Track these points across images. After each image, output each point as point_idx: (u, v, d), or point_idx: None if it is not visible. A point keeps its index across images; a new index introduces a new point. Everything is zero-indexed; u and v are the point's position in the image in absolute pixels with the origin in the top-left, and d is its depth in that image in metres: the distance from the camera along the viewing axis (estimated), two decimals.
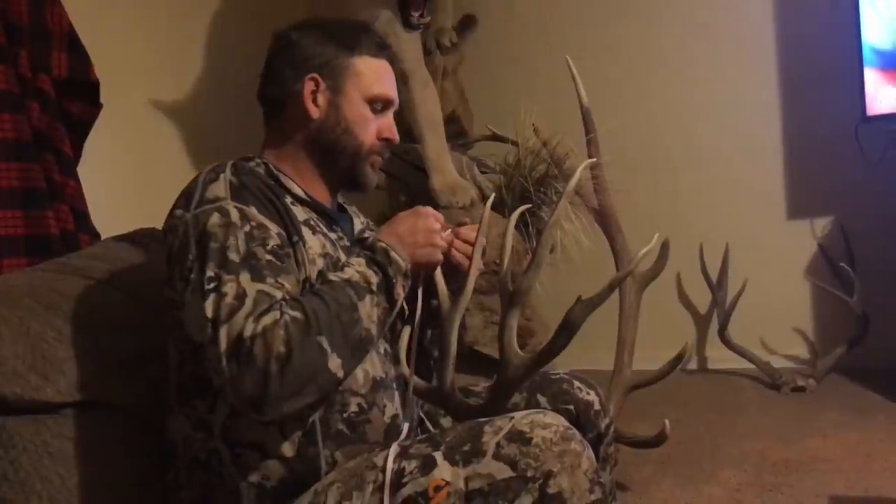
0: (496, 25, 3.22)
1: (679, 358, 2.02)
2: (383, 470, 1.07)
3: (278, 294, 1.06)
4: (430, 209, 1.28)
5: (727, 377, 3.03)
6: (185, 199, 1.16)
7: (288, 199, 1.21)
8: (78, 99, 1.99)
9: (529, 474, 1.02)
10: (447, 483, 1.03)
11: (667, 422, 1.76)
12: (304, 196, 1.26)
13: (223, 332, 1.01)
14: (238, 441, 1.11)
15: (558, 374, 1.45)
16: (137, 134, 2.32)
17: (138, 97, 2.34)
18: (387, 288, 1.17)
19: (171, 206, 1.18)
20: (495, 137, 2.78)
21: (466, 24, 2.95)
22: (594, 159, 1.90)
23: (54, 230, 1.83)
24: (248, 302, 1.03)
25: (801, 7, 2.92)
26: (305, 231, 1.19)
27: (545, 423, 1.06)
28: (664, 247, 2.35)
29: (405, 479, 1.05)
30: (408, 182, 2.61)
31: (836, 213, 2.95)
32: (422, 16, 2.12)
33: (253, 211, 1.12)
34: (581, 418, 1.41)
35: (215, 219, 1.10)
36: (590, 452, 1.08)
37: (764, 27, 2.98)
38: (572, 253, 2.34)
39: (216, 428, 1.12)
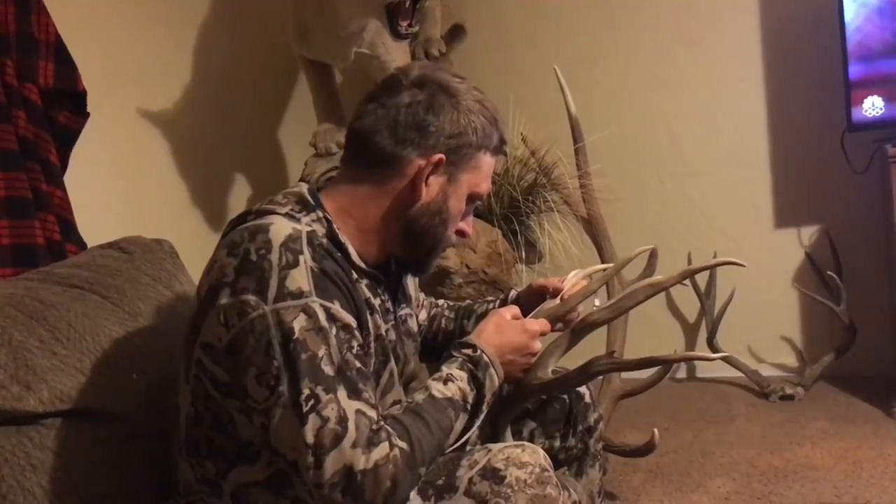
0: (484, 35, 3.23)
1: (668, 367, 2.02)
2: None
3: (374, 414, 1.00)
4: (538, 326, 1.25)
5: (716, 386, 3.03)
6: (256, 280, 1.01)
7: (353, 276, 1.13)
8: (64, 108, 1.98)
9: None
10: None
11: (656, 431, 1.76)
12: (361, 264, 1.17)
13: (329, 462, 0.95)
14: None
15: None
16: (124, 143, 2.31)
17: (125, 106, 2.34)
18: (476, 404, 1.15)
19: (233, 276, 1.03)
20: None
21: (455, 33, 2.96)
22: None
23: (40, 240, 1.82)
24: (351, 427, 0.97)
25: (787, 18, 2.94)
26: (367, 314, 1.13)
27: (521, 462, 1.04)
28: (652, 255, 2.36)
29: None
30: None
31: (823, 222, 2.97)
32: (410, 25, 2.12)
33: (337, 308, 1.03)
34: (574, 408, 1.42)
35: (302, 321, 0.99)
36: (566, 497, 1.07)
37: (750, 37, 3.00)
38: (561, 261, 2.34)
39: (226, 487, 1.09)
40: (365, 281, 1.18)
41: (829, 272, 2.77)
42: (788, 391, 2.76)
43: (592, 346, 1.96)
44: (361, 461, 0.96)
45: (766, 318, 3.04)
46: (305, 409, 0.96)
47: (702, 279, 3.03)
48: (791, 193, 3.02)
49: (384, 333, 1.19)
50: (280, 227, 1.05)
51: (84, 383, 1.21)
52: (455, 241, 1.28)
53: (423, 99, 1.16)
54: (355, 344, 1.04)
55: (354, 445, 0.96)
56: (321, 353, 0.99)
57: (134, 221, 2.23)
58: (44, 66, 1.92)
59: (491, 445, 1.09)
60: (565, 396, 1.43)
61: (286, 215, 1.11)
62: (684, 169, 3.12)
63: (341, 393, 0.98)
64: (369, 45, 2.34)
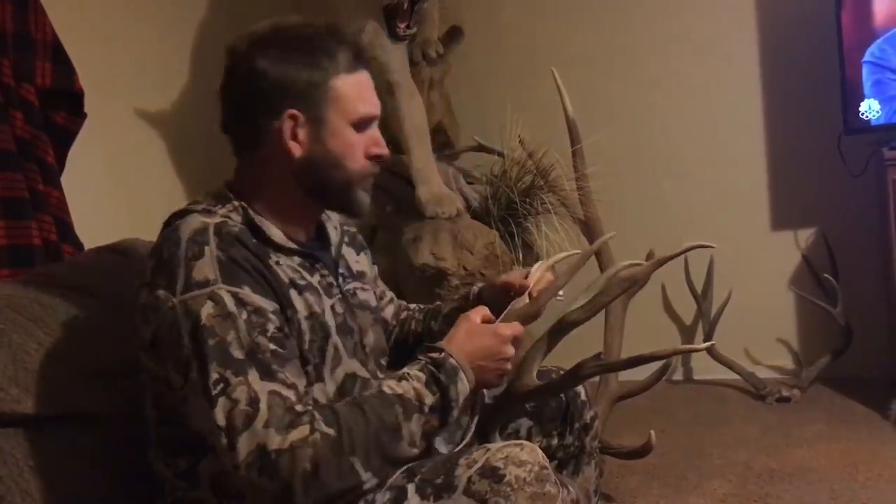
0: (482, 37, 3.23)
1: (664, 369, 2.03)
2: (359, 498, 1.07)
3: (291, 395, 1.01)
4: (510, 331, 1.21)
5: (712, 388, 3.04)
6: (166, 275, 1.06)
7: (272, 259, 1.14)
8: (62, 108, 1.98)
9: None
10: None
11: (652, 433, 1.76)
12: (285, 243, 1.18)
13: (242, 442, 0.97)
14: (226, 492, 1.08)
15: (545, 367, 1.45)
16: (122, 144, 2.30)
17: (123, 107, 2.33)
18: (441, 409, 1.11)
19: (150, 275, 1.09)
20: (481, 148, 2.79)
21: (453, 35, 2.95)
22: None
23: (37, 241, 1.81)
24: (263, 408, 0.98)
25: (784, 20, 2.95)
26: (293, 294, 1.14)
27: (520, 461, 1.04)
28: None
29: None
30: (394, 193, 2.61)
31: (820, 225, 2.97)
32: (408, 27, 2.12)
33: (247, 292, 1.05)
34: (570, 406, 1.42)
35: (209, 308, 1.02)
36: (566, 494, 1.06)
37: (747, 39, 3.00)
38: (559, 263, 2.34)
39: (202, 479, 1.10)
40: (296, 260, 1.18)
41: (825, 274, 2.78)
42: (785, 393, 2.76)
43: (588, 349, 1.95)
44: (276, 441, 0.97)
45: (762, 320, 3.04)
46: (214, 392, 0.99)
47: (698, 281, 3.03)
48: (788, 196, 3.02)
49: (321, 310, 1.17)
50: (189, 223, 1.10)
51: (82, 387, 1.21)
52: (372, 168, 1.23)
53: (243, 70, 1.17)
54: (271, 327, 1.05)
55: (267, 425, 0.97)
56: (229, 337, 1.01)
57: (131, 222, 2.22)
58: (41, 67, 1.91)
59: (489, 445, 1.09)
60: (561, 394, 1.43)
61: (202, 211, 1.15)
62: (681, 171, 3.12)
63: (252, 375, 1.00)
64: (367, 47, 2.33)
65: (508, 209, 2.47)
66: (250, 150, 1.21)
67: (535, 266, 1.40)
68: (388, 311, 1.52)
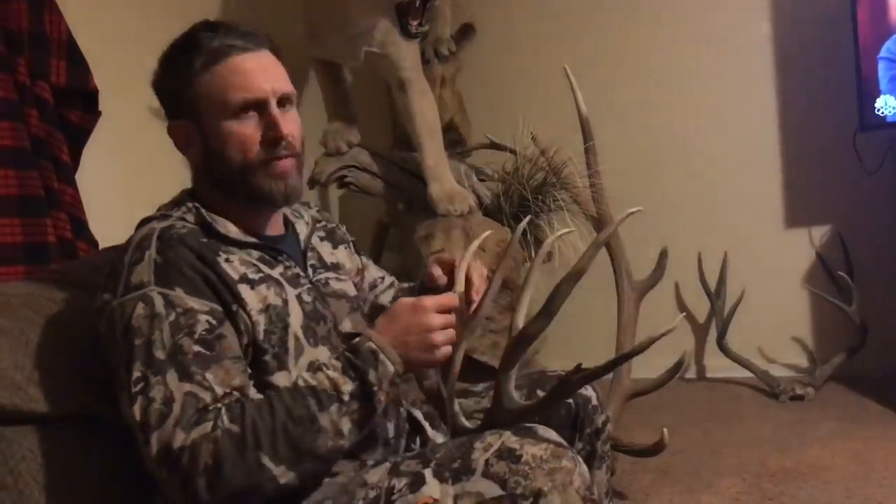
0: (494, 34, 3.23)
1: (678, 366, 2.02)
2: (374, 487, 1.07)
3: (207, 396, 1.03)
4: (431, 302, 1.15)
5: (726, 386, 3.03)
6: (113, 280, 1.12)
7: (222, 257, 1.15)
8: (76, 106, 1.99)
9: (519, 492, 1.01)
10: (435, 501, 1.02)
11: (665, 430, 1.76)
12: (241, 237, 1.20)
13: (154, 439, 1.01)
14: None
15: (556, 371, 1.45)
16: (136, 141, 2.31)
17: (137, 105, 2.33)
18: (363, 395, 1.09)
19: (103, 281, 1.15)
20: (493, 146, 2.79)
21: (465, 33, 2.96)
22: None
23: (52, 238, 1.83)
24: (176, 407, 1.01)
25: (799, 16, 2.93)
26: (243, 289, 1.14)
27: (535, 439, 1.05)
28: (662, 255, 2.36)
29: (394, 497, 1.05)
30: (406, 190, 2.61)
31: (835, 222, 2.95)
32: (420, 24, 2.12)
33: (179, 294, 1.08)
34: (580, 412, 1.41)
35: (140, 310, 1.07)
36: (582, 469, 1.06)
37: (761, 35, 2.99)
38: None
39: None
40: (254, 254, 1.20)
41: (840, 272, 2.76)
42: (799, 391, 2.75)
43: (601, 347, 1.95)
44: (180, 439, 1.00)
45: (776, 318, 3.02)
46: (135, 390, 1.03)
47: (712, 279, 3.02)
48: (802, 193, 3.01)
49: (282, 301, 1.18)
50: (141, 231, 1.16)
51: (99, 387, 1.22)
52: (270, 152, 1.19)
53: (154, 80, 1.26)
54: (199, 328, 1.07)
55: (176, 424, 1.01)
56: (154, 337, 1.05)
57: None
58: (56, 65, 1.92)
59: (502, 430, 1.09)
60: (571, 401, 1.41)
61: (159, 217, 1.20)
62: (694, 168, 3.11)
63: (171, 376, 1.03)
64: (379, 45, 2.34)
65: (521, 206, 2.47)
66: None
67: (466, 258, 1.31)
68: (387, 296, 1.53)
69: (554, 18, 3.24)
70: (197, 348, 1.06)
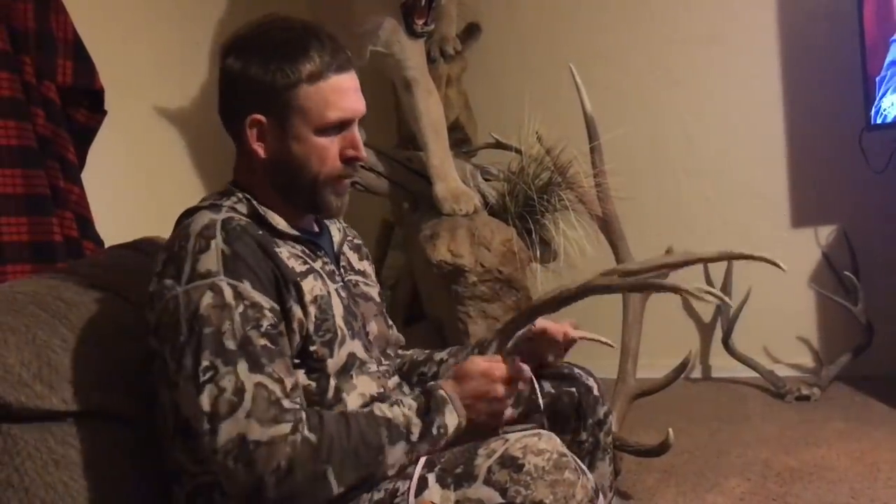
0: (500, 33, 3.23)
1: (683, 366, 2.02)
2: (379, 489, 1.09)
3: (277, 389, 1.05)
4: (500, 371, 1.21)
5: (731, 386, 3.02)
6: (174, 266, 1.12)
7: (280, 250, 1.18)
8: (82, 106, 2.00)
9: (519, 501, 1.01)
10: None
11: (670, 430, 1.76)
12: (289, 230, 1.23)
13: (223, 429, 1.01)
14: None
15: (564, 364, 1.46)
16: (142, 141, 2.32)
17: (143, 104, 2.35)
18: (429, 438, 1.14)
19: (160, 266, 1.14)
20: (499, 145, 2.78)
21: (470, 32, 2.96)
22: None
23: (58, 237, 1.83)
24: (248, 398, 1.02)
25: (804, 15, 2.92)
26: (299, 280, 1.17)
27: (539, 449, 1.05)
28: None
29: (397, 500, 1.07)
30: (411, 190, 2.61)
31: (841, 222, 2.94)
32: (426, 24, 2.12)
33: (246, 287, 1.09)
34: (583, 402, 1.42)
35: (208, 299, 1.07)
36: (585, 481, 1.06)
37: (767, 34, 2.98)
38: (576, 260, 2.34)
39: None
40: (298, 247, 1.23)
41: (846, 272, 2.75)
42: (804, 392, 2.74)
43: (606, 348, 1.95)
44: (256, 432, 1.01)
45: (782, 318, 3.01)
46: (203, 378, 1.03)
47: (717, 279, 3.01)
48: (808, 192, 3.00)
49: (326, 293, 1.21)
50: (199, 219, 1.15)
51: (105, 385, 1.22)
52: (345, 171, 1.24)
53: (225, 68, 1.22)
54: (265, 323, 1.08)
55: (249, 416, 1.01)
56: (224, 327, 1.06)
57: (150, 219, 2.23)
58: (62, 64, 1.93)
59: (507, 435, 1.10)
60: (574, 390, 1.42)
61: (209, 207, 1.20)
62: (700, 167, 3.10)
63: (241, 366, 1.04)
64: (384, 44, 2.34)
65: (526, 206, 2.46)
66: (237, 146, 1.27)
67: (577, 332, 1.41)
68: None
69: (559, 18, 3.23)
70: (263, 342, 1.07)
